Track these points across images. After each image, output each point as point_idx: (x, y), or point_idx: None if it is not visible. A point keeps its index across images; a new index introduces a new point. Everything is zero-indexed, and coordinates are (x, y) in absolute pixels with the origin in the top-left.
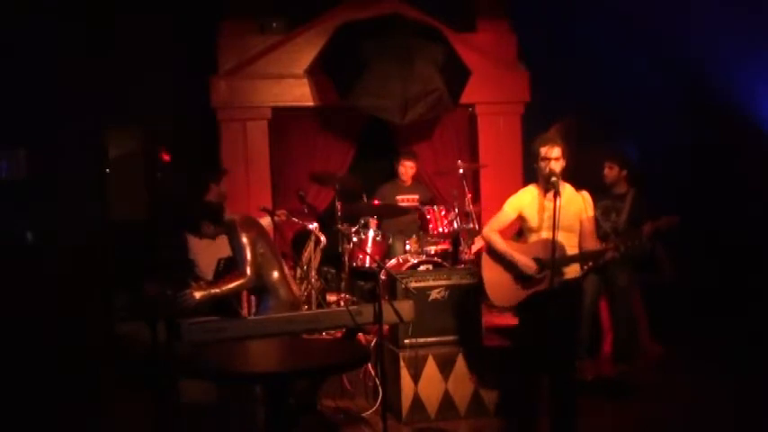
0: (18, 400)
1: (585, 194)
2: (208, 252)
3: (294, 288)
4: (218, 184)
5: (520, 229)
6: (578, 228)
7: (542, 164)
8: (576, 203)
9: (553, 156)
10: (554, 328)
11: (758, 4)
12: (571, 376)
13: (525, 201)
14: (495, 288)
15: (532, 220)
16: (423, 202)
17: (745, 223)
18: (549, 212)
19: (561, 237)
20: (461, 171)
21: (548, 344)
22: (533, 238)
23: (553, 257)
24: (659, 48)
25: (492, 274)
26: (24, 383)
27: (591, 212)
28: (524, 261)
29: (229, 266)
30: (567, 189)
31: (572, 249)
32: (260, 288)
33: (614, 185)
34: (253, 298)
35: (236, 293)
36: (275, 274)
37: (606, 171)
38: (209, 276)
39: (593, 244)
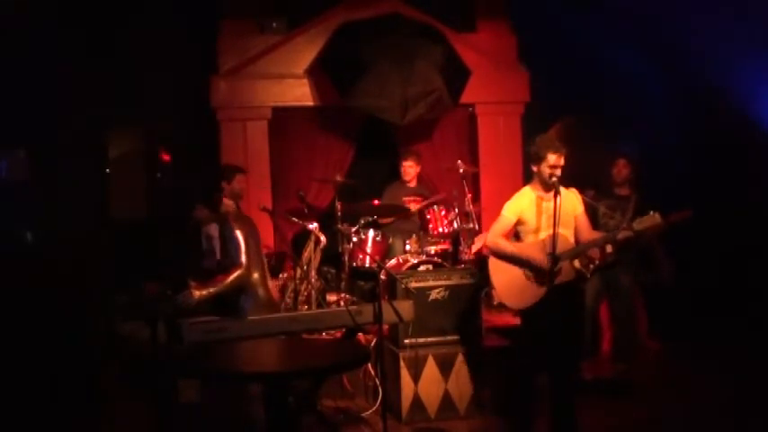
0: (18, 400)
1: (575, 191)
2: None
3: (272, 290)
4: (229, 183)
5: (515, 233)
6: (573, 224)
7: (548, 170)
8: (569, 201)
9: (561, 163)
10: (565, 326)
11: (758, 5)
12: (574, 376)
13: (524, 204)
14: (510, 291)
15: (532, 223)
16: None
17: (745, 223)
18: (548, 213)
19: (564, 231)
20: (461, 171)
21: (558, 342)
22: (532, 239)
23: (553, 251)
24: (659, 48)
25: (503, 279)
26: (24, 383)
27: (582, 207)
28: (538, 258)
29: (225, 268)
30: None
31: (571, 245)
32: (239, 287)
33: (620, 186)
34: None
35: (235, 287)
36: (255, 275)
37: (620, 169)
38: None
39: (591, 235)
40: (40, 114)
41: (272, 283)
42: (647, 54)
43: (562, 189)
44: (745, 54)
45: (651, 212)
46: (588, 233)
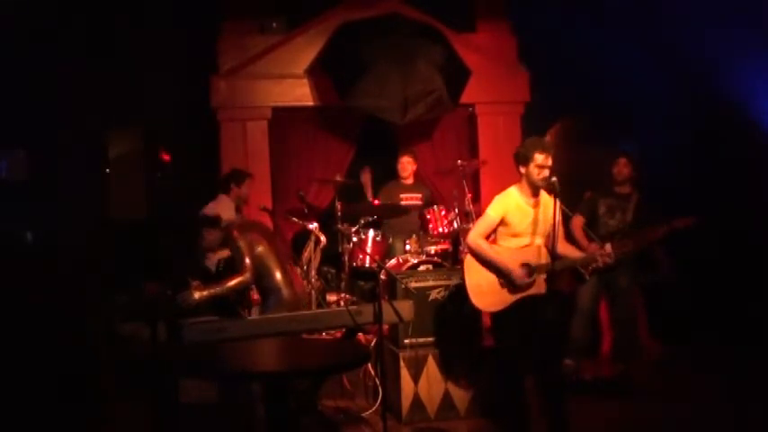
0: (18, 400)
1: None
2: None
3: (297, 288)
4: (239, 187)
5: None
6: (549, 232)
7: (536, 170)
8: (549, 208)
9: (549, 164)
10: (546, 331)
11: (758, 5)
12: (557, 377)
13: (510, 205)
14: (481, 293)
15: (517, 225)
16: (425, 202)
17: (745, 223)
18: (532, 217)
19: (541, 241)
20: (461, 170)
21: (537, 346)
22: (516, 242)
23: (554, 261)
24: (659, 48)
25: (476, 279)
26: (24, 383)
27: (559, 216)
28: (518, 274)
29: (229, 266)
30: (544, 194)
31: (547, 253)
32: (263, 289)
33: (620, 185)
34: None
35: (236, 291)
36: (277, 275)
37: (621, 168)
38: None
39: (564, 247)
40: (40, 114)
41: (297, 278)
42: (647, 54)
43: (545, 196)
44: (745, 54)
45: (628, 240)
46: (562, 244)
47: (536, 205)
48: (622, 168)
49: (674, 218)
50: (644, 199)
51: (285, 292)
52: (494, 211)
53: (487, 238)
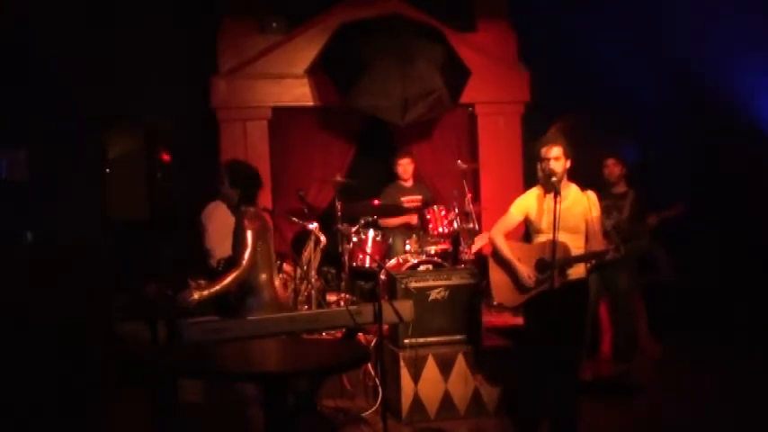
0: (18, 400)
1: (591, 194)
2: (224, 244)
3: (280, 292)
4: None
5: (527, 231)
6: (584, 228)
7: (543, 164)
8: (581, 204)
9: (552, 156)
10: (556, 329)
11: (758, 4)
12: (572, 377)
13: (530, 203)
14: (501, 288)
15: (538, 222)
16: (425, 203)
17: (745, 223)
18: (551, 214)
19: (566, 238)
20: (461, 171)
21: (549, 344)
22: (539, 238)
23: (553, 258)
24: (659, 47)
25: (498, 275)
26: (24, 383)
27: (596, 213)
28: (525, 272)
29: (229, 266)
30: (572, 189)
31: (577, 250)
32: (246, 287)
33: (614, 184)
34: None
35: (234, 286)
36: (263, 276)
37: (611, 169)
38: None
39: (599, 244)
40: (40, 114)
41: (279, 283)
42: (648, 53)
43: (576, 191)
44: (745, 54)
45: (640, 234)
46: (595, 241)
47: (558, 201)
48: (612, 168)
49: (663, 210)
50: (640, 196)
51: (266, 293)
52: (514, 209)
53: (526, 237)
